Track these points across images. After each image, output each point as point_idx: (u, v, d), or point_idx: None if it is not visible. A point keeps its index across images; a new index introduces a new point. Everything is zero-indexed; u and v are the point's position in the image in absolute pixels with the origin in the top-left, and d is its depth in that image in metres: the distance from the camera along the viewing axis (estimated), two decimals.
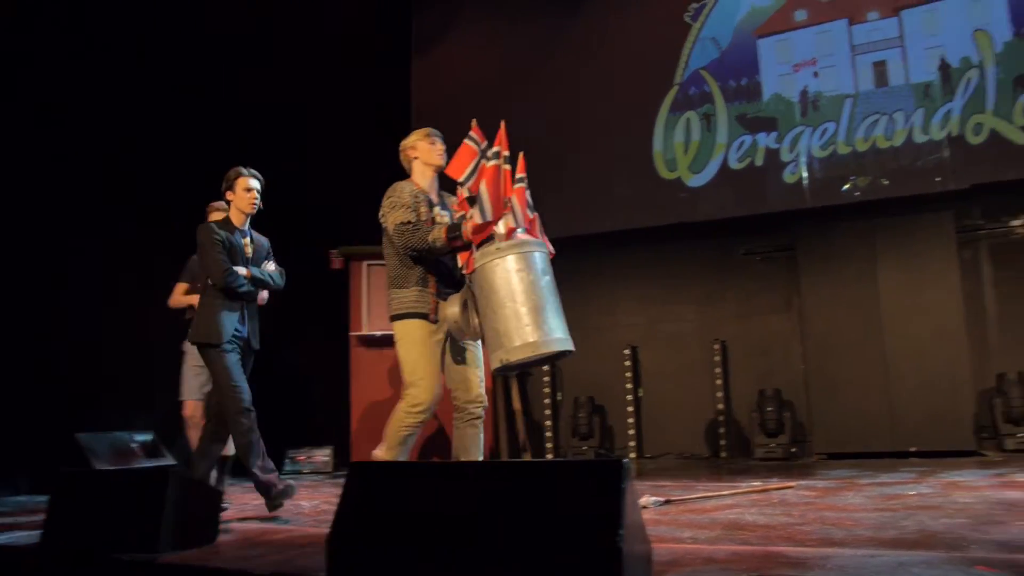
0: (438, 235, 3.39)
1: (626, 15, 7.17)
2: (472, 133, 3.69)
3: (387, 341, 4.47)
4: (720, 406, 6.53)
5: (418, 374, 3.41)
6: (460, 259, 3.51)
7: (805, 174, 6.40)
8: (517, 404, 6.31)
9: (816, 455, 6.09)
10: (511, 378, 6.32)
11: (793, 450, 6.15)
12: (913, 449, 5.70)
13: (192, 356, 4.56)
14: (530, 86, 7.34)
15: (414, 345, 3.46)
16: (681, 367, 6.89)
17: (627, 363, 6.87)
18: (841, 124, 6.40)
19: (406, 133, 3.83)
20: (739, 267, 6.81)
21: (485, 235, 3.36)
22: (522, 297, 3.17)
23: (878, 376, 5.91)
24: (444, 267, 3.59)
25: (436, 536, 1.89)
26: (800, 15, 6.73)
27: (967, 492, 3.66)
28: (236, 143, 5.91)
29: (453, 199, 3.76)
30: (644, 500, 3.58)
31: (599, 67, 7.18)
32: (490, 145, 3.57)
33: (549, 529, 1.66)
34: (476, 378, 3.57)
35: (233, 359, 3.76)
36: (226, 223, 3.92)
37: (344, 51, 7.15)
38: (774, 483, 4.33)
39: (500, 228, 3.38)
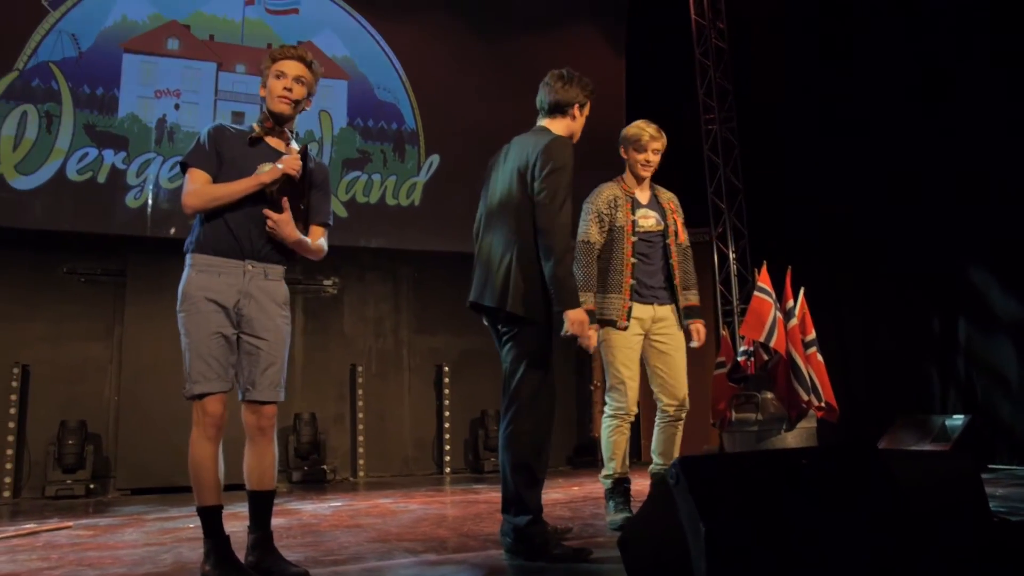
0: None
1: None
2: (760, 282, 3.68)
3: None
4: (11, 438, 5.77)
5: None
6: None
7: (150, 201, 6.27)
8: None
9: (119, 491, 5.85)
10: None
11: (92, 486, 5.79)
12: None
13: None
14: None
15: None
16: None
17: None
18: None
19: None
20: (57, 286, 6.15)
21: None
22: None
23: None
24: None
25: None
26: (173, 44, 6.68)
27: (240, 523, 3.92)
28: None
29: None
30: None
31: None
32: (779, 295, 3.68)
33: None
34: None
35: None
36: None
37: None
38: (51, 524, 3.99)
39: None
